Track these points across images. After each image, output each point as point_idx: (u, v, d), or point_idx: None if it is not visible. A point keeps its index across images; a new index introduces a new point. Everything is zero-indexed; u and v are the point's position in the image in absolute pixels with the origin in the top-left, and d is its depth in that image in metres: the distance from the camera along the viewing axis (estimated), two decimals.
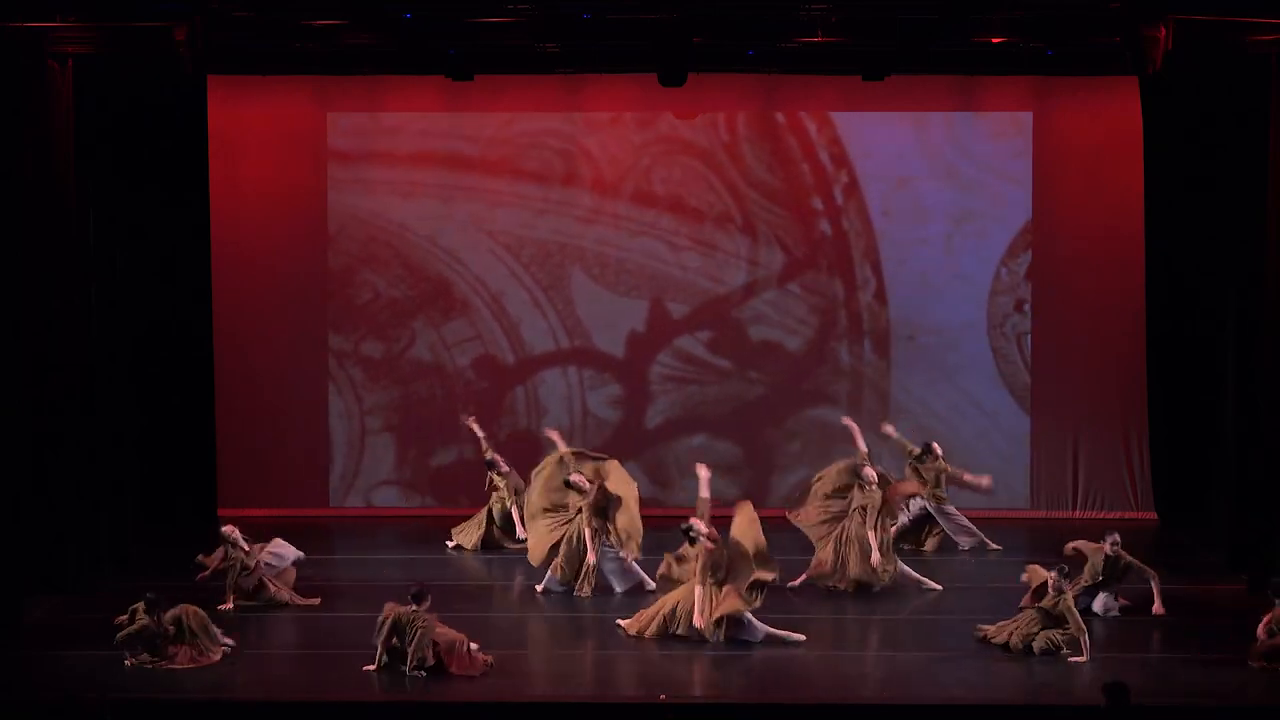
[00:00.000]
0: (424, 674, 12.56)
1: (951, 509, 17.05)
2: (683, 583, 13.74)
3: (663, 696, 11.91)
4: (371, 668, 12.72)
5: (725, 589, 13.49)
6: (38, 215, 15.17)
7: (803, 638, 13.48)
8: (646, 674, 12.66)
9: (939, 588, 15.36)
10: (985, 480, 16.80)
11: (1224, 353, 17.20)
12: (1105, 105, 18.61)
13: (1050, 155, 18.83)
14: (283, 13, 15.92)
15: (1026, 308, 18.94)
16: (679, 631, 13.57)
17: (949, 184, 18.91)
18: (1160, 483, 18.67)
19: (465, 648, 12.76)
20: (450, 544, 17.28)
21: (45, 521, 14.95)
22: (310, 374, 19.04)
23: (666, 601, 13.79)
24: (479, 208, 18.93)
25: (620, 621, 14.01)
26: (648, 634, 13.67)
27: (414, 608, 12.73)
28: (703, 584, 13.46)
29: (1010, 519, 18.20)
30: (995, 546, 16.94)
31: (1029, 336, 18.96)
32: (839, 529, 15.33)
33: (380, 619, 12.78)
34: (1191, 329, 18.12)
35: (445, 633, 12.77)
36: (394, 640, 12.73)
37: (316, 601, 14.82)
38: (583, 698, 12.13)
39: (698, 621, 13.39)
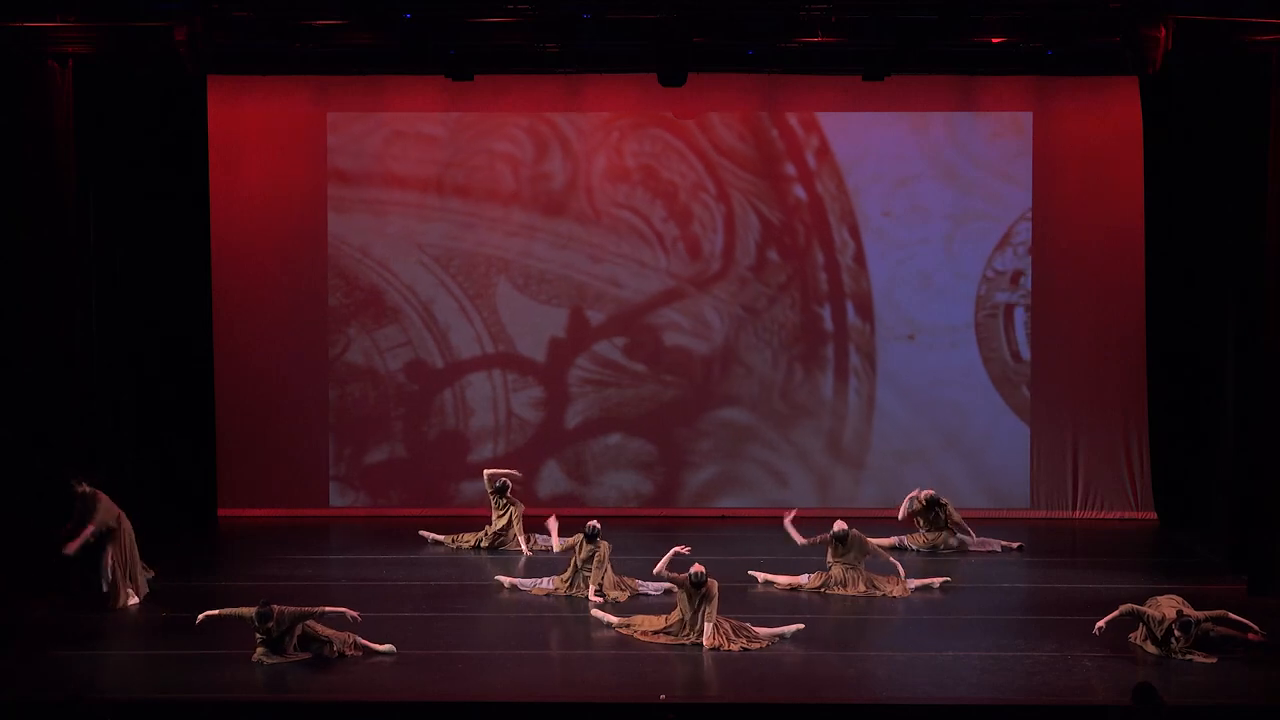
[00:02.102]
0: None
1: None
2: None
3: (663, 697, 11.90)
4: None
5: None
6: (38, 215, 15.17)
7: (801, 625, 13.52)
8: (646, 674, 12.64)
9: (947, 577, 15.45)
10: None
11: (1224, 353, 17.19)
12: (1105, 105, 18.63)
13: (1050, 155, 18.84)
14: (283, 13, 15.91)
15: (1026, 307, 18.94)
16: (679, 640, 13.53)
17: (949, 184, 18.92)
18: (1160, 483, 18.69)
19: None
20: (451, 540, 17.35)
21: (45, 521, 14.94)
22: (310, 374, 19.06)
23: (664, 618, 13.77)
24: (413, 223, 19.03)
25: (604, 614, 14.10)
26: (641, 637, 13.62)
27: (269, 625, 12.84)
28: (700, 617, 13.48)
29: (1010, 519, 18.21)
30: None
31: (1029, 336, 18.96)
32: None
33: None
34: (1191, 329, 18.12)
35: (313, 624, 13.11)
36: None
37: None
38: (582, 698, 12.11)
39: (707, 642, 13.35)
